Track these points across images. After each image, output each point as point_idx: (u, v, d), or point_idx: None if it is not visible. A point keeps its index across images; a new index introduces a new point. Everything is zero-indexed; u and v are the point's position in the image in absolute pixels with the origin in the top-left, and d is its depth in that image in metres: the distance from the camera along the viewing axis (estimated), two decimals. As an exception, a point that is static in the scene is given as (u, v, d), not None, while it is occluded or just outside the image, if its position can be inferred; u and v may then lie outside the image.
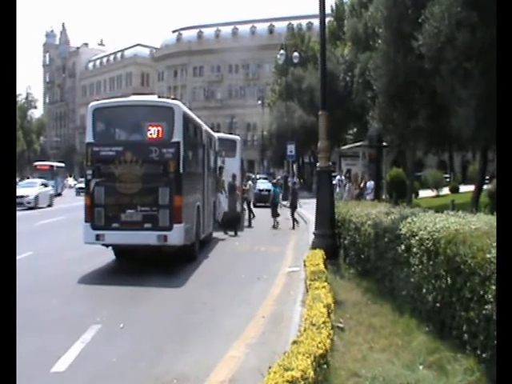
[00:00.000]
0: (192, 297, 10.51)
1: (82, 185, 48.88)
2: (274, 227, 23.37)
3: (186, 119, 13.70)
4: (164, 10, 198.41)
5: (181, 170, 12.68)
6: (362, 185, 25.85)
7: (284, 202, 33.41)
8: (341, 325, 7.48)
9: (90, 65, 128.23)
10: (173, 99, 14.28)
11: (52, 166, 54.05)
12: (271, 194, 26.40)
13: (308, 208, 25.45)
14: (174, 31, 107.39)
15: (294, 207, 24.35)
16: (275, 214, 23.90)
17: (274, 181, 36.72)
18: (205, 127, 17.66)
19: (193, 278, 12.40)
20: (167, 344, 7.57)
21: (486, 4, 13.84)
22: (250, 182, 26.88)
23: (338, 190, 25.47)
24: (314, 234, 13.30)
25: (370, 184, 24.88)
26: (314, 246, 12.25)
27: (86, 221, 12.61)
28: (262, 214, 26.42)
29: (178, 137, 12.76)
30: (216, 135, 21.54)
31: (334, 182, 25.16)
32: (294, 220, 23.73)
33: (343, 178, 28.86)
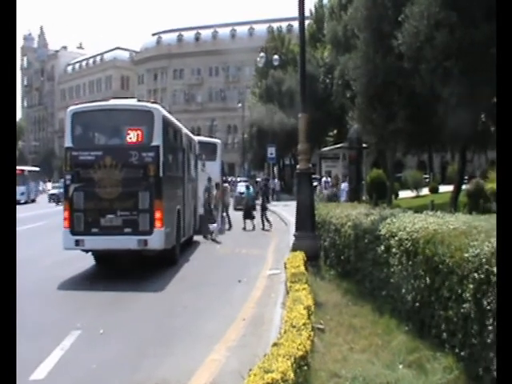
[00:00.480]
0: (173, 300, 10.47)
1: (55, 191, 47.81)
2: (244, 229, 23.63)
3: (166, 123, 13.67)
4: (144, 13, 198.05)
5: (161, 174, 12.64)
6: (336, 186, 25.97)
7: (266, 205, 33.33)
8: (321, 326, 7.50)
9: (69, 68, 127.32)
10: (153, 103, 14.22)
11: (22, 171, 50.09)
12: (245, 197, 26.58)
13: (288, 210, 25.51)
14: (153, 34, 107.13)
15: (264, 208, 24.69)
16: (249, 217, 24.09)
17: (248, 183, 36.76)
18: (185, 131, 17.63)
19: (173, 281, 12.37)
20: (148, 349, 7.54)
21: (465, 5, 14.01)
22: (226, 185, 26.88)
23: (324, 192, 25.42)
24: (294, 235, 13.32)
25: (345, 186, 24.89)
26: (294, 248, 12.26)
27: (65, 226, 12.51)
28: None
29: (157, 140, 12.72)
30: (196, 138, 21.53)
31: (320, 184, 25.32)
32: (266, 220, 24.04)
33: (329, 179, 28.79)
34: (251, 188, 28.11)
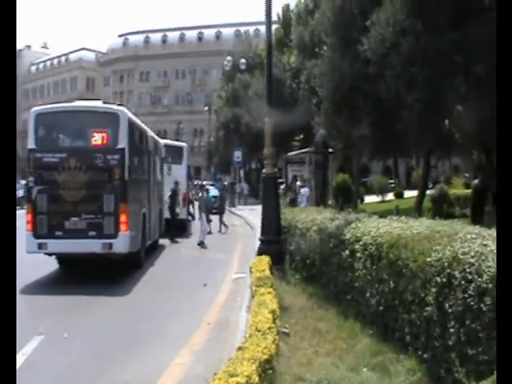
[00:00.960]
0: (138, 304, 10.41)
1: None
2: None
3: (132, 125, 13.58)
4: (110, 13, 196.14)
5: (126, 177, 12.55)
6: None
7: (233, 209, 33.42)
8: (286, 330, 7.53)
9: (33, 68, 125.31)
10: (118, 105, 14.11)
11: None
12: (216, 200, 26.64)
13: (254, 214, 25.53)
14: (120, 35, 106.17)
15: (221, 212, 25.00)
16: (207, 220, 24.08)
17: (207, 187, 36.63)
18: (151, 133, 17.54)
19: (139, 285, 12.28)
20: (113, 353, 7.47)
21: (430, 13, 14.24)
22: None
23: (299, 197, 25.10)
24: (259, 240, 13.35)
25: (305, 191, 24.87)
26: (260, 252, 12.30)
27: (28, 229, 12.32)
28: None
29: (123, 143, 12.63)
30: (162, 142, 21.43)
31: (305, 190, 25.12)
32: (223, 224, 24.33)
33: (307, 189, 28.11)
34: (212, 191, 28.04)
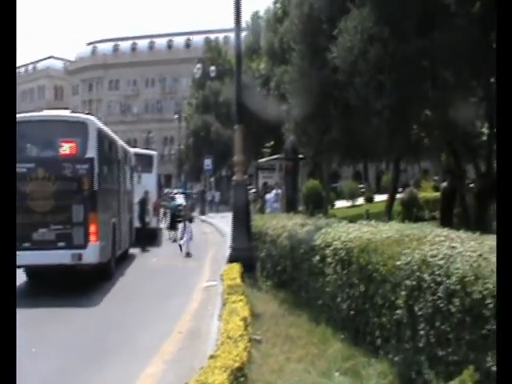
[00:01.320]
0: (108, 315, 10.29)
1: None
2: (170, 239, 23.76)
3: (101, 134, 13.45)
4: (78, 21, 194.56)
5: (95, 187, 12.43)
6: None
7: (203, 217, 33.24)
8: (258, 337, 7.51)
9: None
10: (87, 114, 14.00)
11: None
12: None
13: (225, 221, 25.50)
14: (89, 44, 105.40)
15: (189, 219, 24.79)
16: (173, 228, 24.23)
17: (172, 195, 36.70)
18: (120, 142, 17.42)
19: (109, 295, 12.15)
20: (82, 366, 7.36)
21: (397, 21, 14.41)
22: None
23: (275, 205, 24.77)
24: (230, 247, 13.33)
25: (270, 197, 24.82)
26: (230, 260, 12.26)
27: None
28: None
29: (92, 152, 12.51)
30: (132, 150, 21.32)
31: (271, 196, 25.06)
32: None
33: (280, 191, 27.83)
34: (178, 199, 28.11)
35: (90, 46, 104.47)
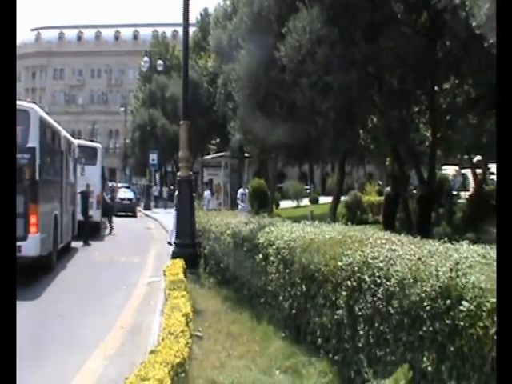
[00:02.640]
0: (48, 309, 10.07)
1: None
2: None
3: (43, 124, 13.17)
4: (22, 6, 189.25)
5: (37, 177, 12.15)
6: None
7: (148, 212, 32.93)
8: (199, 333, 7.53)
9: None
10: (30, 102, 13.64)
11: None
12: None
13: (170, 217, 25.38)
14: (32, 30, 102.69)
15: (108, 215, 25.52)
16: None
17: (112, 187, 36.48)
18: (64, 133, 17.08)
19: (49, 289, 11.90)
20: (19, 359, 7.18)
21: (345, 24, 14.61)
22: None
23: (242, 204, 24.42)
24: (174, 243, 13.28)
25: (207, 194, 24.88)
26: (174, 256, 12.22)
27: None
28: (125, 224, 26.03)
29: (33, 142, 12.22)
30: (76, 142, 20.94)
31: (237, 196, 24.81)
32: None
33: (246, 190, 26.26)
34: (127, 193, 28.14)
35: (34, 32, 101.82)
